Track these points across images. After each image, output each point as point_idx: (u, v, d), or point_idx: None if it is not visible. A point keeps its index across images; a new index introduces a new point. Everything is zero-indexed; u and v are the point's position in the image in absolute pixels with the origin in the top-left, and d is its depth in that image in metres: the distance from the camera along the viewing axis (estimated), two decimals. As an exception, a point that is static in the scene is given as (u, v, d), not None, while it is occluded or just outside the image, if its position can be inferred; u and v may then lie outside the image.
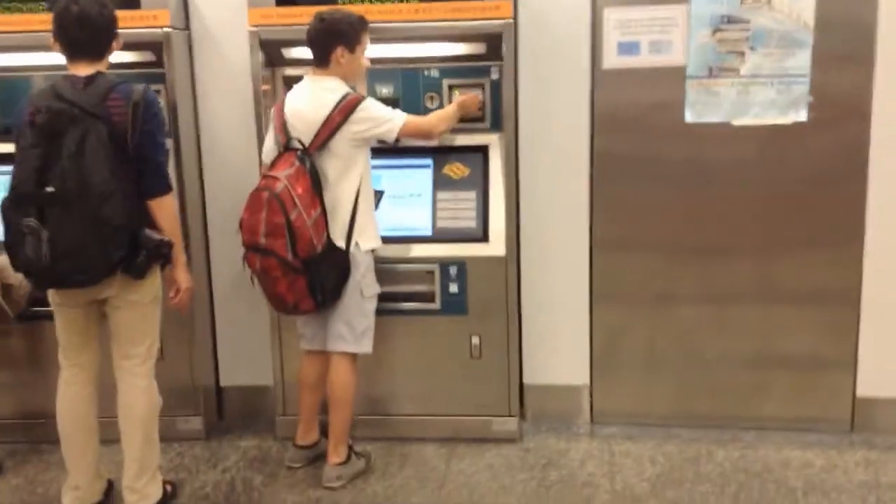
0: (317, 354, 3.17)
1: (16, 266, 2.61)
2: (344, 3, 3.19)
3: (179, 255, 2.84)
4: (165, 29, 3.26)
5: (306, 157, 2.92)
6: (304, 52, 3.28)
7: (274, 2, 3.23)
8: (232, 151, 3.51)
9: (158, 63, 3.31)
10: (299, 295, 2.91)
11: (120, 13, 3.14)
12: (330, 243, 2.95)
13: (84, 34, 2.62)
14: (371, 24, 3.04)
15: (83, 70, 2.63)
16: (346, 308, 3.04)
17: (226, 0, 3.38)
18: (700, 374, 3.51)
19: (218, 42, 3.45)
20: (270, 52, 3.32)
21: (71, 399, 2.84)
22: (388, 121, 3.01)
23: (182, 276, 2.87)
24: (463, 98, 3.29)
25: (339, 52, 2.95)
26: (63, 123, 2.49)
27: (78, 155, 2.47)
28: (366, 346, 3.11)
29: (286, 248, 2.83)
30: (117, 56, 3.32)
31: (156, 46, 3.29)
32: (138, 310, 2.78)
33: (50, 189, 2.47)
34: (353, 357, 3.10)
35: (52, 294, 2.77)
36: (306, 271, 2.87)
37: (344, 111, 2.93)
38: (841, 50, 3.22)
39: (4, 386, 3.44)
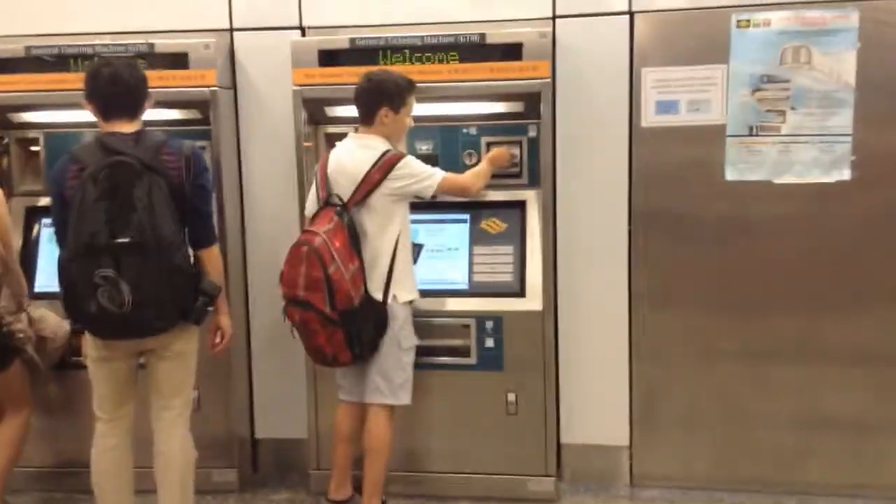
0: (353, 406, 3.17)
1: (81, 318, 2.65)
2: (385, 63, 3.27)
3: (223, 303, 2.93)
4: (212, 88, 3.37)
5: (345, 213, 2.98)
6: (346, 111, 3.37)
7: (317, 62, 3.32)
8: (274, 206, 3.57)
9: (205, 120, 3.41)
10: (337, 347, 2.94)
11: (168, 73, 3.33)
12: (368, 296, 2.98)
13: (118, 94, 2.71)
14: (411, 84, 3.10)
15: (122, 127, 2.71)
16: (384, 360, 3.05)
17: (271, 60, 3.48)
18: (743, 436, 3.43)
19: (262, 100, 3.55)
20: (313, 110, 3.40)
21: (108, 452, 2.86)
22: (427, 178, 3.06)
23: (226, 323, 2.95)
24: (493, 153, 3.33)
25: (384, 112, 3.02)
26: (127, 177, 2.56)
27: (149, 207, 2.56)
28: (403, 398, 3.10)
29: (324, 302, 2.87)
30: (165, 113, 3.48)
31: (203, 104, 3.39)
32: (183, 360, 2.83)
33: (126, 240, 2.52)
34: (391, 409, 3.10)
35: (96, 348, 2.79)
36: (344, 324, 2.90)
37: (383, 168, 2.98)
38: (884, 109, 3.19)
39: (39, 434, 3.46)
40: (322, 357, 3.00)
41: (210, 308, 2.79)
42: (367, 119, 3.06)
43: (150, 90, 2.80)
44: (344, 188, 3.01)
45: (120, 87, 2.70)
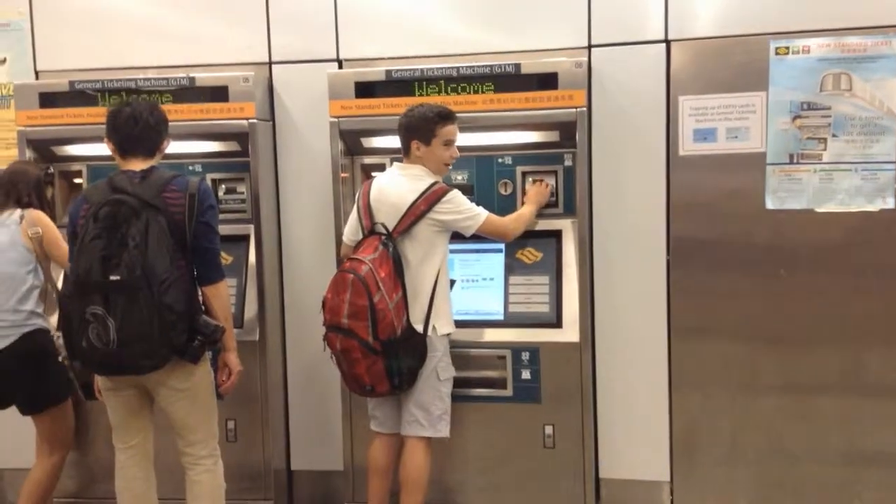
0: (387, 438, 3.15)
1: (73, 354, 2.68)
2: (421, 95, 3.29)
3: (231, 340, 2.91)
4: (251, 120, 3.41)
5: (390, 242, 2.99)
6: (383, 142, 3.40)
7: (354, 94, 3.35)
8: (311, 237, 3.58)
9: (244, 152, 3.45)
10: (377, 377, 2.93)
11: (208, 106, 3.38)
12: (409, 327, 2.97)
13: (135, 133, 2.75)
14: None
15: (136, 166, 2.75)
16: (422, 392, 3.03)
17: (308, 92, 3.52)
18: (787, 471, 3.34)
19: (300, 132, 3.58)
20: (349, 141, 3.43)
21: (129, 481, 2.88)
22: (471, 217, 3.08)
23: (234, 361, 2.93)
24: (532, 194, 3.33)
25: (415, 145, 3.06)
26: (125, 215, 2.59)
27: (142, 245, 2.56)
28: (443, 430, 3.08)
29: (367, 331, 2.87)
30: (205, 146, 3.53)
31: (241, 137, 3.44)
32: (188, 396, 2.81)
33: (116, 277, 2.54)
34: (429, 441, 3.07)
35: (102, 379, 2.82)
36: (385, 354, 2.90)
37: (429, 200, 3.00)
38: (929, 135, 3.13)
39: (73, 465, 3.48)
40: (360, 386, 2.99)
41: (213, 346, 2.78)
42: (404, 151, 3.11)
43: (168, 130, 2.84)
44: (387, 217, 3.03)
45: (139, 127, 2.74)
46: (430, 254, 3.03)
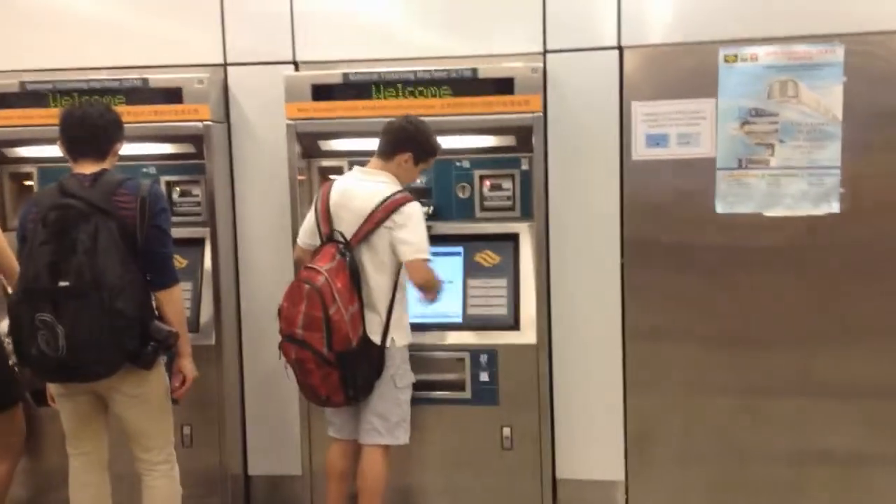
0: (345, 443, 3.14)
1: (24, 361, 2.63)
2: (378, 98, 3.30)
3: (185, 345, 2.88)
4: (206, 122, 3.38)
5: (347, 251, 2.95)
6: (340, 144, 3.41)
7: (311, 97, 3.34)
8: (267, 240, 3.56)
9: (199, 154, 3.42)
10: (331, 388, 2.91)
11: (162, 108, 3.35)
12: (366, 338, 2.95)
13: (85, 135, 2.71)
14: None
15: (87, 169, 2.71)
16: (380, 400, 3.02)
17: (264, 94, 3.49)
18: (738, 470, 3.40)
19: (256, 134, 3.56)
20: (307, 143, 3.42)
21: (82, 488, 2.84)
22: (412, 245, 2.93)
23: (188, 366, 2.90)
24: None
25: (405, 157, 3.03)
26: (73, 219, 2.55)
27: (92, 250, 2.52)
28: (401, 437, 3.07)
29: (322, 342, 2.84)
30: (159, 148, 3.49)
31: (196, 139, 3.40)
32: (143, 403, 2.78)
33: (65, 283, 2.50)
34: (387, 448, 3.06)
35: (54, 385, 2.78)
36: (340, 366, 2.87)
37: (388, 208, 2.95)
38: (872, 141, 3.22)
39: (26, 472, 3.44)
40: (315, 396, 2.97)
41: (166, 352, 2.76)
42: (386, 155, 3.04)
43: (122, 133, 2.80)
44: (347, 223, 2.99)
45: (86, 130, 2.71)
46: (388, 263, 2.98)
